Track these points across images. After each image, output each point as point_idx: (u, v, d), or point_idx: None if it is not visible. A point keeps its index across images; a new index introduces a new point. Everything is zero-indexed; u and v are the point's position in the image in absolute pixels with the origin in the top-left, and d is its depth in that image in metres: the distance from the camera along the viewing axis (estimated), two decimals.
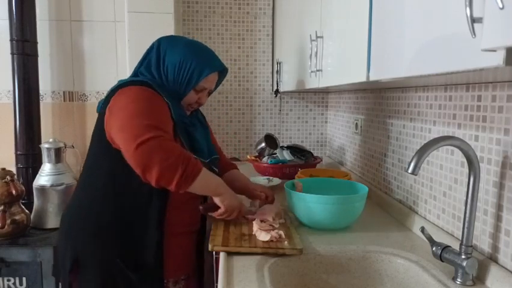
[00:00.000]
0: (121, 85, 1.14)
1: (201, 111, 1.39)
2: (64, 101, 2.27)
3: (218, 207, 1.15)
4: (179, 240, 1.19)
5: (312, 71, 1.45)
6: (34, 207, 1.86)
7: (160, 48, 1.21)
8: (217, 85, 1.32)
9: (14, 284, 1.72)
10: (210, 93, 1.31)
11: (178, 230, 1.18)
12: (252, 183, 1.42)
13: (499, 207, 0.88)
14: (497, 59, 0.49)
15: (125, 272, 1.10)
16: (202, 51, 1.24)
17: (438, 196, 1.14)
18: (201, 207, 1.17)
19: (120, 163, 1.05)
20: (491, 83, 0.92)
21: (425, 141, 0.86)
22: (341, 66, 1.20)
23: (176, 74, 1.18)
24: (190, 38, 1.33)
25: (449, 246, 0.91)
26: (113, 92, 1.13)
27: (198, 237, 1.28)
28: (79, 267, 1.14)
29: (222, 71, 1.31)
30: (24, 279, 1.71)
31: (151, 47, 1.23)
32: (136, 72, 1.23)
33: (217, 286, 0.96)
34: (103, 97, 1.18)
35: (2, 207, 1.68)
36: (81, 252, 1.14)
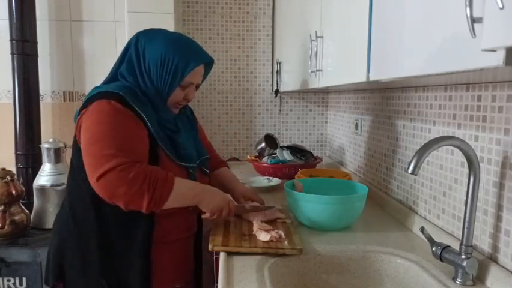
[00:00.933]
0: (93, 96, 1.06)
1: (189, 106, 1.32)
2: (64, 101, 2.27)
3: None
4: (172, 249, 1.14)
5: (312, 71, 1.45)
6: (34, 207, 1.86)
7: (138, 44, 1.12)
8: (203, 77, 1.22)
9: (14, 284, 1.72)
10: (197, 87, 1.22)
11: (170, 237, 1.13)
12: (240, 185, 1.34)
13: (499, 207, 0.88)
14: (497, 59, 0.49)
15: None
16: (185, 44, 1.14)
17: (438, 196, 1.14)
18: (190, 208, 1.11)
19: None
20: (491, 83, 0.92)
21: (425, 141, 0.86)
22: (341, 66, 1.20)
23: (159, 71, 1.09)
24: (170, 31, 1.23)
25: (449, 246, 0.91)
26: (85, 103, 1.07)
27: (194, 241, 1.25)
28: (64, 278, 1.12)
29: (208, 63, 1.21)
30: (24, 279, 1.71)
31: (129, 43, 1.14)
32: (115, 73, 1.15)
33: (217, 286, 0.96)
34: None
35: (2, 207, 1.68)
36: (66, 262, 1.11)
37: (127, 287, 1.06)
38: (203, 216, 1.13)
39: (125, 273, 1.06)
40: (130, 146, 1.01)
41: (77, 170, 1.08)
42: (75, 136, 1.09)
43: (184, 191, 1.05)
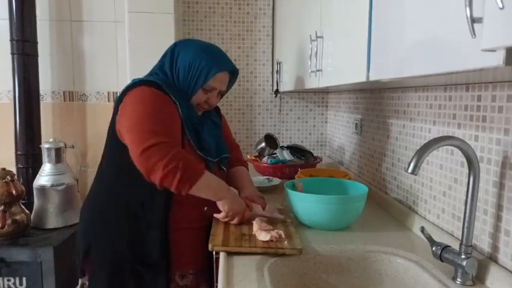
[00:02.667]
0: (134, 84, 1.19)
1: (215, 111, 1.41)
2: (64, 101, 2.27)
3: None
4: (185, 235, 1.21)
5: (312, 71, 1.45)
6: (34, 207, 1.86)
7: (174, 51, 1.26)
8: (228, 87, 1.35)
9: (14, 284, 1.72)
10: (221, 95, 1.34)
11: (183, 225, 1.20)
12: (250, 187, 1.38)
13: (499, 207, 0.89)
14: (497, 59, 0.49)
15: (132, 263, 1.16)
16: (213, 52, 1.28)
17: (438, 196, 1.14)
18: (205, 208, 1.19)
19: (128, 159, 1.10)
20: (491, 83, 0.92)
21: (425, 141, 0.86)
22: (341, 66, 1.20)
23: (186, 73, 1.23)
24: (204, 40, 1.36)
25: (449, 246, 0.91)
26: (126, 90, 1.19)
27: (207, 233, 1.27)
28: (90, 256, 1.22)
29: (233, 73, 1.33)
30: (24, 279, 1.72)
31: (167, 51, 1.29)
32: (151, 73, 1.29)
33: (217, 286, 0.96)
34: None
35: (2, 207, 1.69)
36: (92, 241, 1.22)
37: (151, 259, 1.16)
38: (216, 215, 1.18)
39: (148, 245, 1.16)
40: (171, 128, 1.14)
41: (111, 153, 1.23)
42: (112, 123, 1.20)
43: (210, 183, 1.15)
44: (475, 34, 0.50)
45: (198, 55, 1.23)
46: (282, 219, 1.23)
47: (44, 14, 2.18)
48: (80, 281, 1.30)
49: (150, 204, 1.16)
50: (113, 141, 1.19)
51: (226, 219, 1.18)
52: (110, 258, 1.19)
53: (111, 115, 1.24)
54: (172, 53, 1.26)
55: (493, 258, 0.90)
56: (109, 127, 1.23)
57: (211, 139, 1.28)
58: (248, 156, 2.22)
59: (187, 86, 1.24)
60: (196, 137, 1.22)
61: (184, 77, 1.23)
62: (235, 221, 1.18)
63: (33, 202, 1.88)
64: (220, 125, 1.41)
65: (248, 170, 1.50)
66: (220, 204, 1.17)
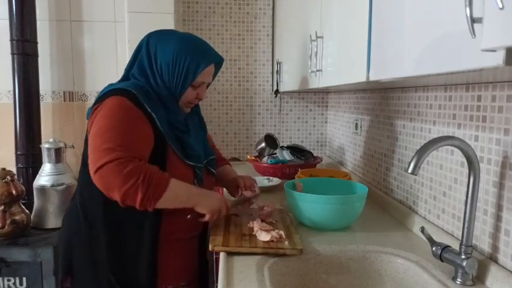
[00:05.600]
0: (105, 94, 1.09)
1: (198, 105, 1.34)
2: (64, 101, 2.27)
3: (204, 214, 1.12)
4: (178, 247, 1.16)
5: (312, 71, 1.45)
6: (34, 207, 1.86)
7: (149, 46, 1.14)
8: (214, 76, 1.25)
9: (14, 284, 1.72)
10: (208, 86, 1.25)
11: (176, 236, 1.15)
12: (240, 177, 1.37)
13: (499, 207, 0.89)
14: (497, 59, 0.49)
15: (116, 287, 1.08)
16: (195, 44, 1.16)
17: (438, 196, 1.14)
18: (188, 216, 1.11)
19: None
20: (491, 83, 0.92)
21: (425, 141, 0.86)
22: (341, 66, 1.20)
23: (171, 72, 1.12)
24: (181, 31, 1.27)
25: (449, 246, 0.91)
26: (98, 100, 1.10)
27: (200, 241, 1.26)
28: (73, 273, 1.14)
29: (218, 62, 1.23)
30: (24, 279, 1.71)
31: (140, 45, 1.17)
32: (127, 75, 1.18)
33: (217, 286, 0.96)
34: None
35: (2, 207, 1.68)
36: (75, 259, 1.14)
37: (135, 282, 1.08)
38: (202, 219, 1.12)
39: (134, 270, 1.08)
40: (132, 143, 1.02)
41: (88, 166, 1.09)
42: (87, 132, 1.11)
43: (178, 192, 1.05)
44: (474, 34, 0.50)
45: (181, 50, 1.11)
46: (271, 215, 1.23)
47: (44, 14, 2.18)
48: None
49: (139, 219, 1.07)
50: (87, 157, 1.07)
51: (214, 218, 1.12)
52: (93, 282, 1.10)
53: None
54: (147, 48, 1.14)
55: (493, 258, 0.90)
56: (85, 139, 1.13)
57: (197, 144, 1.21)
58: (248, 156, 2.22)
59: (174, 87, 1.13)
60: (180, 146, 1.13)
61: (169, 76, 1.12)
62: (222, 213, 1.13)
63: (33, 202, 1.88)
64: (205, 123, 1.35)
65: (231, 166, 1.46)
66: (198, 210, 1.09)
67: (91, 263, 1.10)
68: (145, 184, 0.96)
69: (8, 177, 1.70)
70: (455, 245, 0.91)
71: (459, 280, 0.88)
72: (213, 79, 1.26)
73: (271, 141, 2.14)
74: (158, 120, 1.08)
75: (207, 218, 1.11)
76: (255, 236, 1.09)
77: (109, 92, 1.08)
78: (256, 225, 1.12)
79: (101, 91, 1.12)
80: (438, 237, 1.02)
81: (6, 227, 1.69)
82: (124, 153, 0.98)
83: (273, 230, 1.09)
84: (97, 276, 1.10)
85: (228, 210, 1.16)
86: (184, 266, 1.20)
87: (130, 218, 1.07)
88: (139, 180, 0.96)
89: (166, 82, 1.13)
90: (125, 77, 1.19)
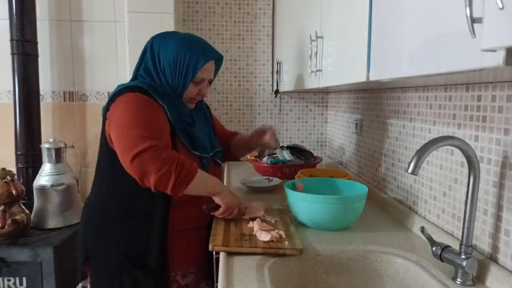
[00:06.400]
0: (119, 91, 1.17)
1: (205, 102, 1.44)
2: (64, 101, 2.27)
3: (219, 207, 1.19)
4: (186, 236, 1.22)
5: (312, 71, 1.45)
6: (34, 207, 1.86)
7: (153, 47, 1.23)
8: (215, 73, 1.33)
9: (14, 284, 1.72)
10: (210, 83, 1.32)
11: (183, 226, 1.21)
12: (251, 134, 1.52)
13: (499, 207, 0.89)
14: (497, 59, 0.49)
15: (131, 270, 1.16)
16: (195, 43, 1.24)
17: (438, 196, 1.14)
18: (204, 207, 1.19)
19: (121, 167, 1.11)
20: (491, 83, 0.92)
21: (425, 141, 0.86)
22: (341, 66, 1.20)
23: (173, 70, 1.20)
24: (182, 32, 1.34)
25: (449, 246, 0.91)
26: (112, 98, 1.18)
27: (208, 232, 1.27)
28: (90, 260, 1.23)
29: (218, 59, 1.31)
30: (24, 279, 1.72)
31: (146, 47, 1.26)
32: (135, 75, 1.27)
33: (217, 286, 0.96)
34: (104, 98, 1.22)
35: (2, 207, 1.69)
36: (92, 246, 1.23)
37: (148, 266, 1.15)
38: (214, 213, 1.20)
39: (146, 255, 1.16)
40: (160, 131, 1.12)
41: (106, 159, 1.21)
42: (103, 131, 1.19)
43: (205, 180, 1.16)
44: (474, 34, 0.49)
45: (181, 49, 1.20)
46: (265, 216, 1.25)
47: (44, 14, 2.18)
48: (80, 284, 1.31)
49: (148, 210, 1.16)
50: (106, 149, 1.18)
51: (225, 215, 1.19)
52: (109, 264, 1.19)
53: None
54: (151, 50, 1.23)
55: (493, 258, 0.90)
56: (101, 136, 1.22)
57: (203, 137, 1.28)
58: (248, 156, 2.22)
59: (177, 84, 1.22)
60: (188, 137, 1.21)
61: (172, 74, 1.21)
62: (234, 214, 1.20)
63: (33, 202, 1.88)
64: (211, 118, 1.44)
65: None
66: (218, 199, 1.17)
67: (107, 245, 1.19)
68: (177, 170, 1.05)
69: (8, 177, 1.70)
70: (455, 245, 0.91)
71: (459, 280, 0.88)
72: (215, 76, 1.34)
73: None
74: (169, 111, 1.17)
75: (221, 210, 1.18)
76: (255, 236, 1.09)
77: (122, 89, 1.17)
78: (256, 225, 1.12)
79: (114, 90, 1.20)
80: (438, 237, 1.02)
81: (6, 227, 1.69)
82: (158, 140, 1.07)
83: (273, 230, 1.09)
84: (112, 260, 1.18)
85: (241, 215, 1.23)
86: (192, 254, 1.25)
87: (139, 207, 1.16)
88: (172, 166, 1.05)
89: (169, 80, 1.21)
90: (134, 78, 1.28)
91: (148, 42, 1.26)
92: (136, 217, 1.17)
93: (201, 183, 1.13)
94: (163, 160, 1.04)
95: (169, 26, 2.05)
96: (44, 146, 1.85)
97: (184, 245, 1.22)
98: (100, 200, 1.24)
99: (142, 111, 1.12)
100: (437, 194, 1.15)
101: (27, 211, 1.80)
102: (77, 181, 2.02)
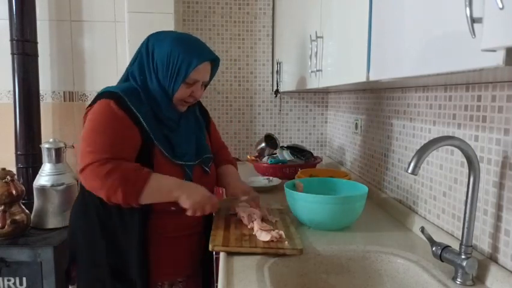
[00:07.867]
0: (96, 97, 1.16)
1: (204, 107, 1.39)
2: (64, 101, 2.27)
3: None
4: (175, 243, 1.19)
5: (312, 71, 1.45)
6: (34, 207, 1.86)
7: (148, 45, 1.19)
8: (211, 77, 1.25)
9: (14, 284, 1.72)
10: (205, 86, 1.25)
11: (171, 234, 1.18)
12: (235, 183, 1.34)
13: (499, 207, 0.89)
14: (497, 59, 0.49)
15: (111, 280, 1.13)
16: (190, 43, 1.18)
17: (438, 196, 1.14)
18: (172, 208, 1.12)
19: None
20: (491, 83, 0.92)
21: (425, 141, 0.86)
22: (341, 66, 1.20)
23: (165, 69, 1.14)
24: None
25: (449, 246, 0.91)
26: (91, 103, 1.17)
27: (200, 239, 1.26)
28: (77, 265, 1.22)
29: (214, 62, 1.23)
30: (24, 279, 1.71)
31: (141, 45, 1.22)
32: (126, 74, 1.23)
33: (217, 286, 0.96)
34: None
35: (2, 207, 1.68)
36: (76, 251, 1.21)
37: (128, 276, 1.12)
38: (187, 213, 1.12)
39: (126, 263, 1.13)
40: (113, 145, 1.07)
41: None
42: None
43: (159, 187, 1.08)
44: (474, 34, 0.50)
45: (175, 48, 1.14)
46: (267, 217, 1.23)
47: (44, 14, 2.18)
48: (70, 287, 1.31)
49: (125, 219, 1.12)
50: None
51: (197, 213, 1.11)
52: (92, 271, 1.17)
53: None
54: (147, 47, 1.19)
55: (493, 258, 0.90)
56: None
57: (187, 143, 1.21)
58: (248, 156, 2.22)
59: (168, 83, 1.15)
60: (168, 145, 1.16)
61: (164, 73, 1.14)
62: (206, 210, 1.12)
63: (33, 202, 1.87)
64: (204, 123, 1.34)
65: (237, 168, 1.43)
66: (181, 203, 1.10)
67: (91, 254, 1.16)
68: (123, 182, 1.02)
69: (8, 177, 1.70)
70: (455, 245, 0.91)
71: (459, 280, 0.88)
72: (211, 79, 1.26)
73: (271, 141, 2.14)
74: (144, 119, 1.12)
75: (188, 212, 1.11)
76: (255, 236, 1.09)
77: (99, 95, 1.15)
78: (256, 225, 1.12)
79: (95, 96, 1.18)
80: (438, 237, 1.02)
81: (6, 227, 1.69)
82: (103, 155, 1.04)
83: (273, 230, 1.08)
84: (96, 266, 1.15)
85: (215, 208, 1.16)
86: (179, 263, 1.21)
87: (118, 215, 1.12)
88: (116, 179, 1.02)
89: (161, 80, 1.16)
90: (125, 76, 1.24)
91: (144, 40, 1.22)
92: (112, 226, 1.13)
93: (155, 191, 1.07)
94: (104, 175, 1.01)
95: (169, 26, 2.05)
96: (44, 146, 1.85)
97: (169, 254, 1.18)
98: (82, 206, 1.20)
99: (100, 124, 1.09)
100: (437, 194, 1.15)
101: (27, 211, 1.79)
102: (77, 181, 2.02)
